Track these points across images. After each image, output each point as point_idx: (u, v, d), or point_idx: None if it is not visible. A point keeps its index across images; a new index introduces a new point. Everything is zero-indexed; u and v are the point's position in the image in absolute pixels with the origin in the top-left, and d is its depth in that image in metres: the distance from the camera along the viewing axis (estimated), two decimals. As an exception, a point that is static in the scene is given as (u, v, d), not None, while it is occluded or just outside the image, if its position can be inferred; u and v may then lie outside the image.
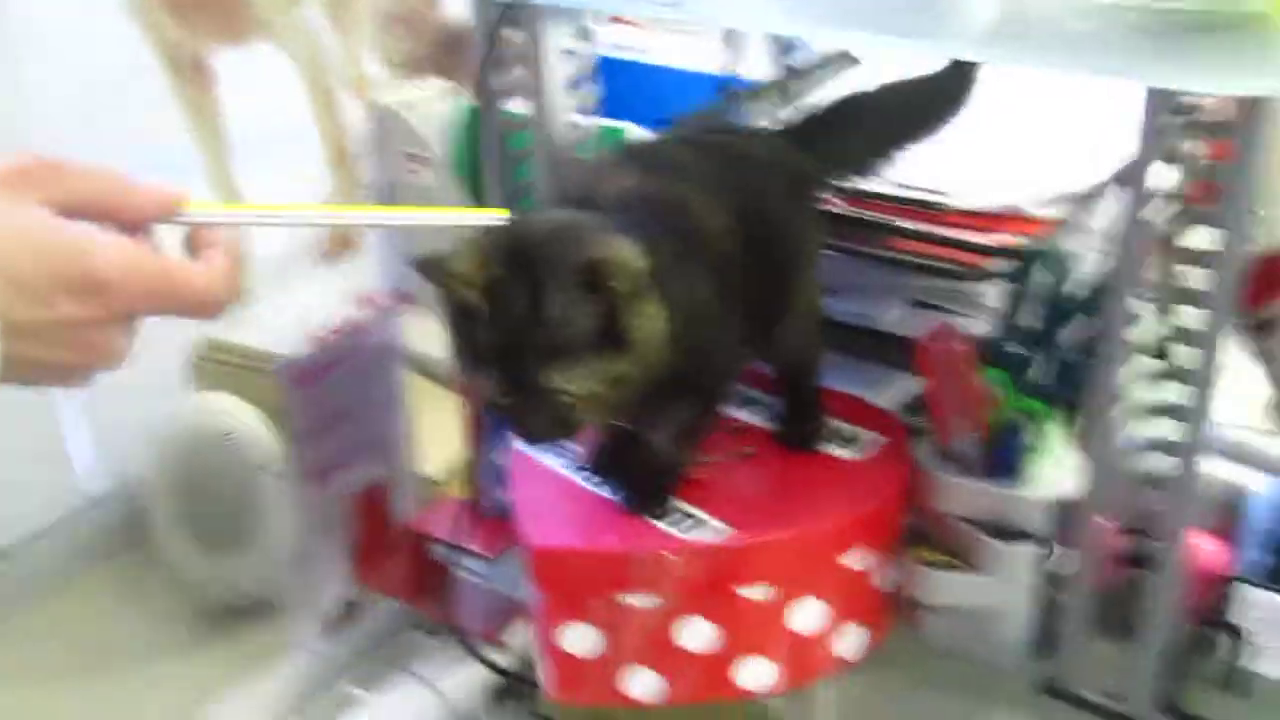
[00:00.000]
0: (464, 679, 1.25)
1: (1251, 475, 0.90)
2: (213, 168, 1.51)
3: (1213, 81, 0.58)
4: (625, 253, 0.70)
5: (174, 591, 1.36)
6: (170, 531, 1.31)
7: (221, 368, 1.42)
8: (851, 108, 0.95)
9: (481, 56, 0.79)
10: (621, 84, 1.08)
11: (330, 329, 1.12)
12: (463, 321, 0.71)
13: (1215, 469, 0.92)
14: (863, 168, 0.96)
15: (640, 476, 0.81)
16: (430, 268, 0.70)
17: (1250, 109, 0.64)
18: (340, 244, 1.66)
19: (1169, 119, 0.67)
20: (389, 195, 1.72)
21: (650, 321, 0.71)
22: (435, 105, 1.73)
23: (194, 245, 0.63)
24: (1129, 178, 0.70)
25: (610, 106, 1.04)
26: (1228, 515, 0.89)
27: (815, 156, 0.92)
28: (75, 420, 1.45)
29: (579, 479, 0.85)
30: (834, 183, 0.96)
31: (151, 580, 1.39)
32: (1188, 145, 0.72)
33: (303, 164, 1.64)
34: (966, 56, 0.69)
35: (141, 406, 1.39)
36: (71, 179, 0.59)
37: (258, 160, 1.55)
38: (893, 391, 0.97)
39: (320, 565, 1.07)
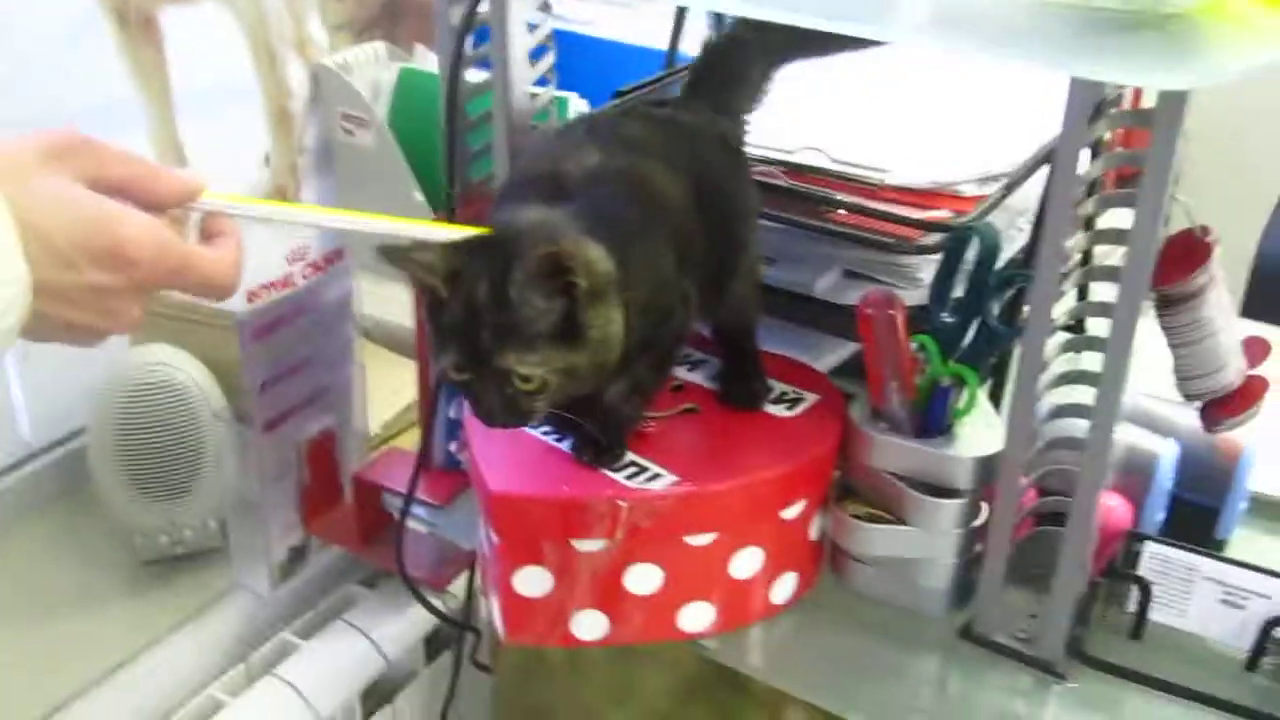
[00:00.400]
0: (402, 630, 1.30)
1: (1157, 440, 0.97)
2: (157, 123, 1.51)
3: (1134, 75, 0.64)
4: (592, 253, 0.74)
5: (115, 540, 1.38)
6: (111, 481, 1.33)
7: (160, 320, 1.43)
8: (728, 52, 1.00)
9: (457, 27, 0.82)
10: (570, 56, 1.12)
11: (278, 283, 1.15)
12: (428, 298, 0.75)
13: (1125, 433, 0.99)
14: (756, 101, 1.02)
15: (595, 429, 0.85)
16: (394, 255, 0.74)
17: (1169, 101, 0.70)
18: (281, 199, 1.68)
19: (1091, 108, 0.73)
20: (327, 155, 1.74)
21: (609, 324, 0.76)
22: (375, 68, 1.75)
23: (207, 233, 0.67)
24: (1054, 161, 0.76)
25: (560, 78, 1.08)
26: (1135, 476, 0.96)
27: (723, 111, 0.97)
28: (15, 371, 1.45)
29: (534, 431, 0.90)
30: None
31: (93, 529, 1.40)
32: (1109, 132, 0.78)
33: (244, 122, 1.65)
34: (905, 41, 0.74)
35: (81, 358, 1.40)
36: (107, 158, 0.63)
37: (200, 117, 1.56)
38: (827, 356, 1.03)
39: (268, 512, 1.10)
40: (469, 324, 0.74)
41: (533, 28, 0.97)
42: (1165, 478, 0.96)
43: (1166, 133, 0.71)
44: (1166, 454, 0.96)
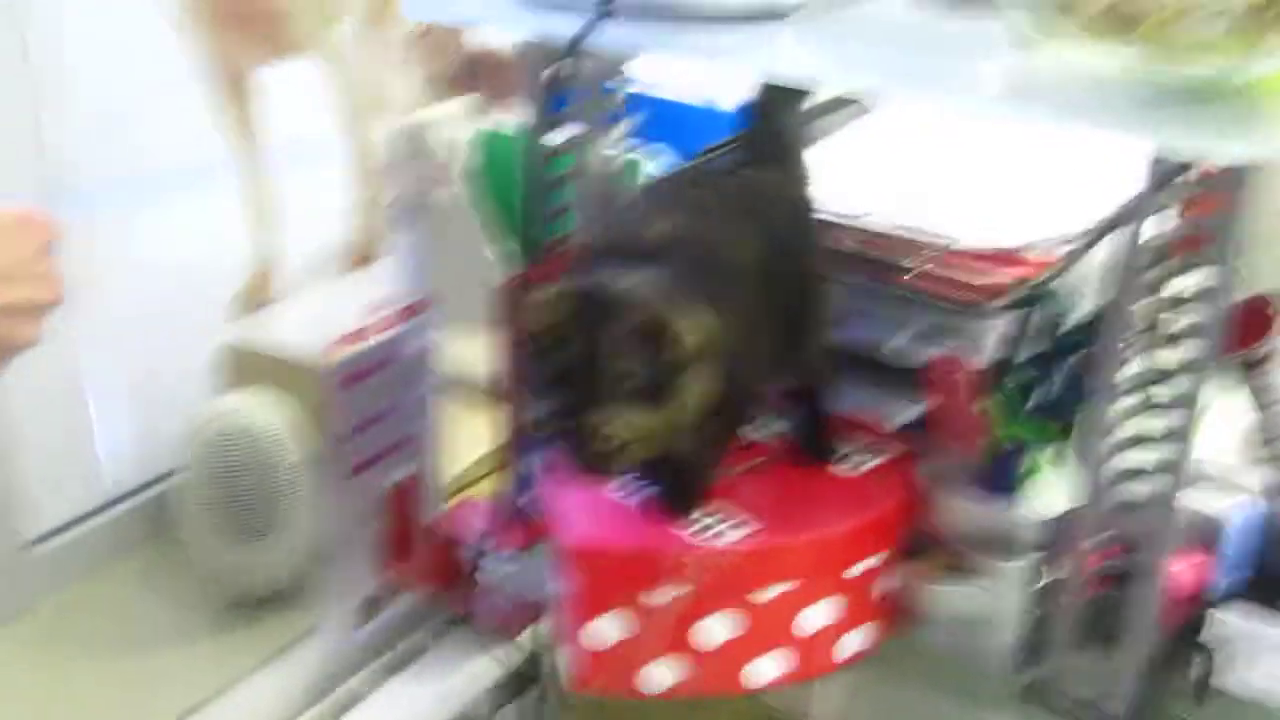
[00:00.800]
0: (473, 678, 1.32)
1: (1229, 502, 0.97)
2: (247, 177, 1.57)
3: (1208, 146, 0.65)
4: (691, 317, 0.77)
5: (199, 582, 1.42)
6: (197, 524, 1.37)
7: (248, 367, 1.48)
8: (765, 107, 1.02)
9: (541, 93, 0.85)
10: (650, 118, 1.16)
11: (361, 333, 1.19)
12: (531, 347, 0.78)
13: (1197, 496, 0.99)
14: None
15: (673, 481, 0.88)
16: (510, 295, 0.77)
17: (1239, 169, 0.72)
18: (363, 253, 1.73)
19: (1165, 176, 0.74)
20: (409, 210, 1.79)
21: (704, 386, 0.79)
22: (456, 126, 1.80)
23: None
24: (1124, 227, 0.77)
25: (639, 139, 1.11)
26: (1207, 539, 0.96)
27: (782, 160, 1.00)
28: (98, 419, 1.51)
29: (610, 484, 0.92)
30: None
31: (177, 571, 1.44)
32: (1180, 198, 0.80)
33: (331, 177, 1.71)
34: (982, 113, 0.76)
35: (169, 404, 1.45)
36: None
37: (289, 172, 1.61)
38: (897, 416, 1.04)
39: (349, 557, 1.13)
40: (567, 376, 0.77)
41: (610, 91, 1.00)
42: (1239, 540, 0.96)
43: (1236, 199, 0.73)
44: (1239, 516, 0.96)
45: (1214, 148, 0.65)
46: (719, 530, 0.87)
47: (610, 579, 0.86)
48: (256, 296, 1.62)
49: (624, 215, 0.90)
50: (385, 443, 1.12)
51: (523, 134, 0.93)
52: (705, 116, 1.56)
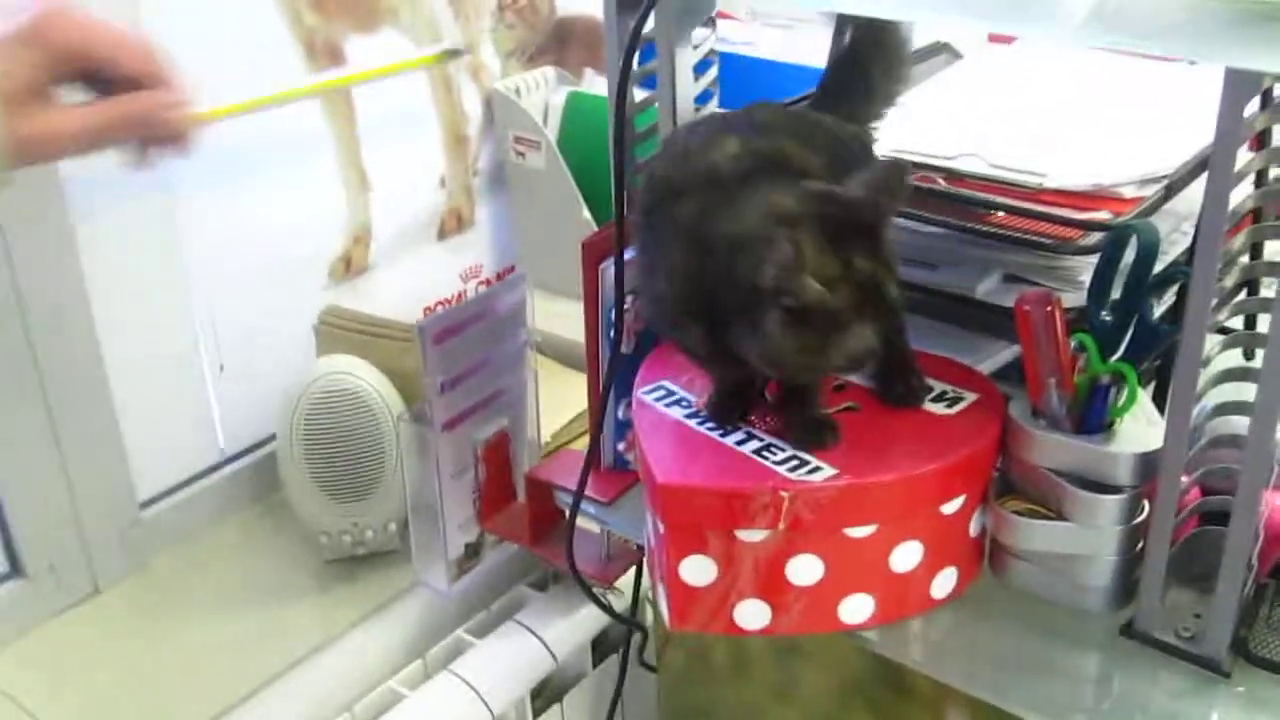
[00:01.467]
0: (571, 630, 1.35)
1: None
2: (342, 148, 1.61)
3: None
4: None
5: (303, 541, 1.46)
6: (299, 484, 1.41)
7: (344, 333, 1.51)
8: (846, 64, 1.02)
9: (626, 42, 0.87)
10: (733, 76, 1.16)
11: (449, 299, 1.21)
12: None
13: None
14: (881, 110, 1.04)
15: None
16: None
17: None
18: (454, 222, 1.76)
19: (1248, 101, 0.73)
20: (500, 176, 1.82)
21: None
22: (545, 92, 1.82)
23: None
24: (1211, 155, 0.76)
25: (722, 97, 1.12)
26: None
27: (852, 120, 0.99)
28: (211, 383, 1.55)
29: (698, 426, 0.93)
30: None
31: (283, 530, 1.49)
32: (1271, 126, 0.79)
33: (422, 146, 1.73)
34: (1065, 42, 0.76)
35: (273, 370, 1.50)
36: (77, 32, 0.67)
37: (382, 142, 1.64)
38: (988, 359, 1.04)
39: (446, 509, 1.16)
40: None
41: (696, 46, 1.01)
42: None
43: (1326, 123, 0.72)
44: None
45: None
46: (809, 468, 0.87)
47: (701, 517, 0.87)
48: (354, 264, 1.65)
49: (685, 148, 0.90)
50: (479, 398, 1.15)
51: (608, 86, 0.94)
52: (793, 74, 1.55)
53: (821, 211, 0.79)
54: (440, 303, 1.75)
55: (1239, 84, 0.74)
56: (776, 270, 0.77)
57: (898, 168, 0.84)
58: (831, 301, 0.77)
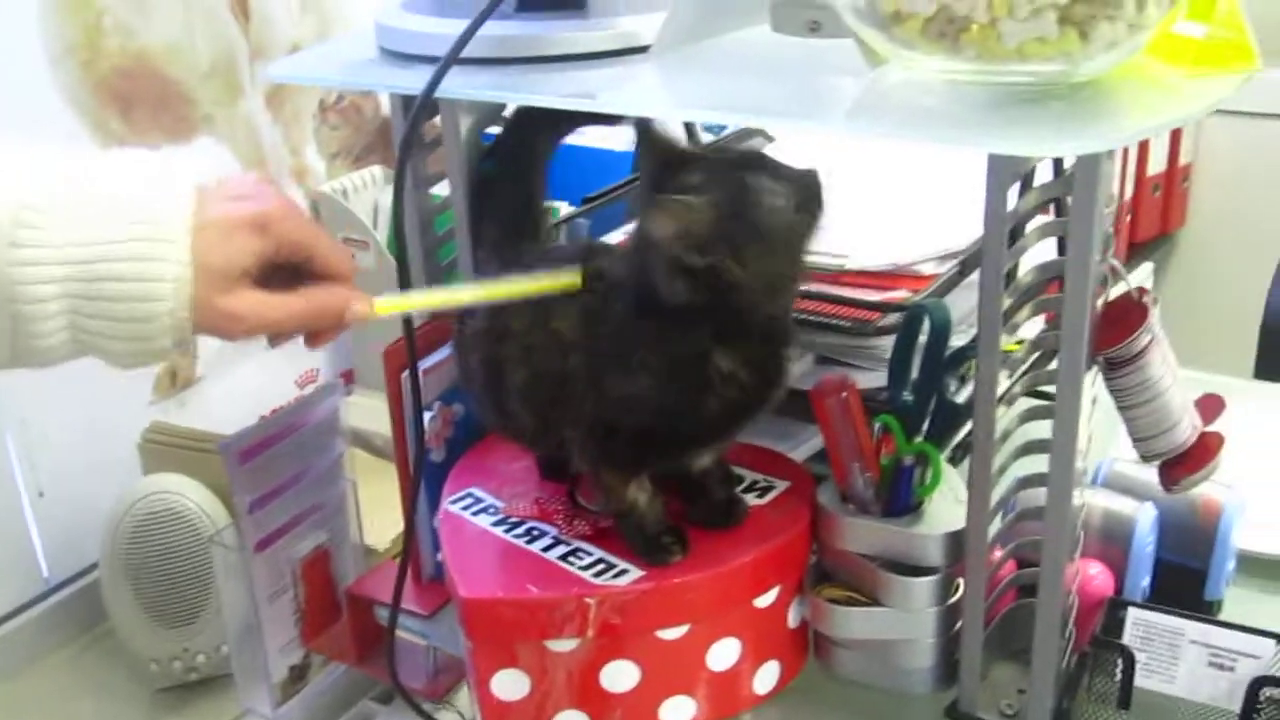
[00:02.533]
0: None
1: (1134, 504, 0.97)
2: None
3: (1034, 145, 0.65)
4: None
5: (132, 670, 1.40)
6: (125, 609, 1.36)
7: (169, 450, 1.47)
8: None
9: (400, 144, 0.85)
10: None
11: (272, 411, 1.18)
12: None
13: (1102, 499, 0.99)
14: None
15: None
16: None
17: (1081, 167, 0.72)
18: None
19: (1013, 181, 0.74)
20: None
21: None
22: (373, 191, 1.80)
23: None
24: (983, 234, 0.77)
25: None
26: (1115, 542, 0.96)
27: None
28: (31, 510, 1.49)
29: (504, 534, 0.91)
30: None
31: (111, 660, 1.43)
32: (1035, 202, 0.80)
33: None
34: (837, 134, 0.76)
35: (98, 492, 1.44)
36: (292, 227, 0.72)
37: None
38: (803, 443, 1.04)
39: (266, 632, 1.12)
40: None
41: (488, 139, 1.00)
42: (1145, 541, 0.96)
43: (1084, 199, 0.73)
44: (1144, 517, 0.96)
45: (1041, 146, 0.65)
46: (615, 571, 0.85)
47: (508, 630, 0.85)
48: (180, 376, 1.61)
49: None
50: (294, 513, 1.11)
51: (396, 195, 0.92)
52: (616, 162, 1.56)
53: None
54: (276, 410, 1.70)
55: (1002, 166, 0.75)
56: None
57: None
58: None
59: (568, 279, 0.85)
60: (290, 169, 1.71)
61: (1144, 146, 2.40)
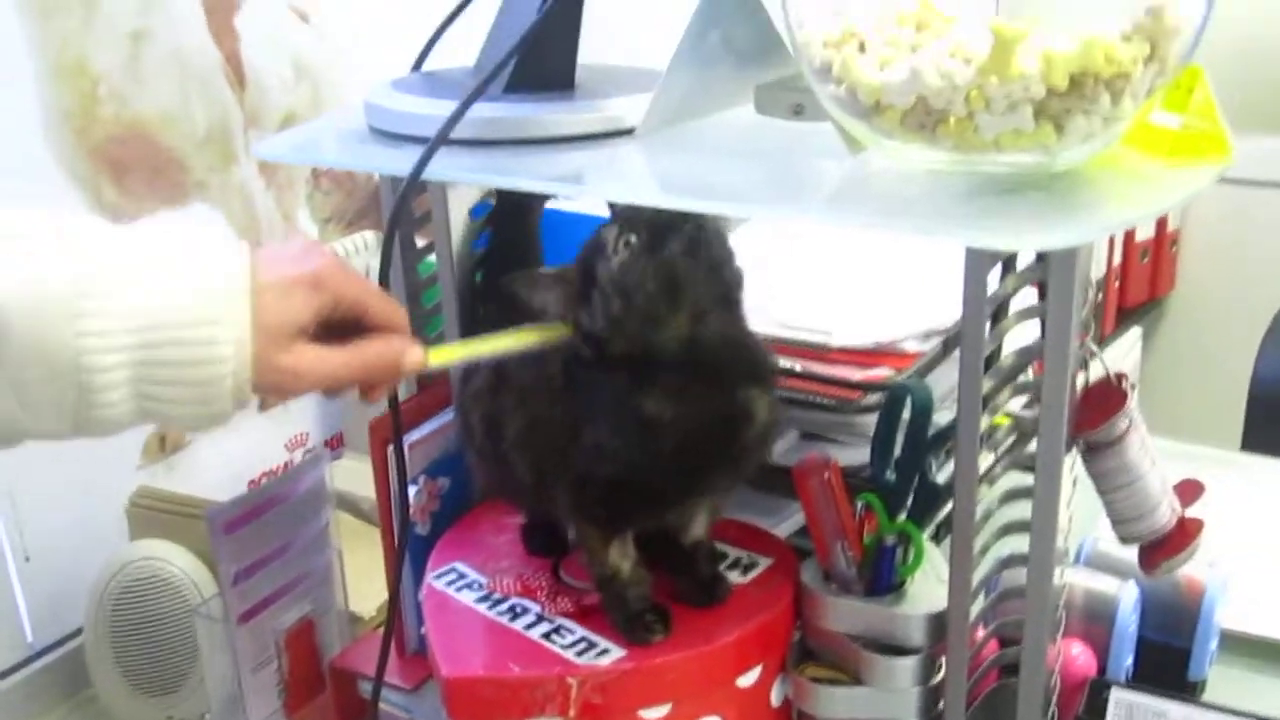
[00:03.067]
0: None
1: (1117, 583, 0.97)
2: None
3: (1009, 238, 0.66)
4: None
5: (114, 738, 1.39)
6: (109, 676, 1.35)
7: (156, 515, 1.46)
8: None
9: (387, 223, 0.86)
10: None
11: (273, 470, 1.18)
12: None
13: (1085, 578, 0.99)
14: None
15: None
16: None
17: (1058, 258, 0.73)
18: (276, 391, 1.73)
19: (990, 268, 0.75)
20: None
21: None
22: (365, 256, 1.82)
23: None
24: (962, 321, 0.78)
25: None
26: (1098, 621, 0.96)
27: None
28: (17, 574, 1.49)
29: (488, 611, 0.91)
30: None
31: (93, 728, 1.42)
32: (1015, 285, 0.81)
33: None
34: (814, 221, 0.77)
35: (84, 557, 1.44)
36: (347, 286, 0.73)
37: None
38: (787, 518, 1.04)
39: (250, 704, 1.11)
40: None
41: (479, 214, 1.01)
42: (1128, 621, 0.96)
43: (1060, 287, 0.73)
44: (1127, 597, 0.96)
45: (1016, 239, 0.65)
46: (597, 650, 0.85)
47: (489, 709, 0.85)
48: (169, 440, 1.61)
49: None
50: (279, 584, 1.11)
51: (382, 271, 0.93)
52: (579, 222, 1.57)
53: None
54: (266, 474, 1.70)
55: (981, 254, 0.75)
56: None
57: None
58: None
59: (555, 330, 0.86)
60: (283, 234, 1.73)
61: (1132, 214, 2.41)
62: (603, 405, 0.85)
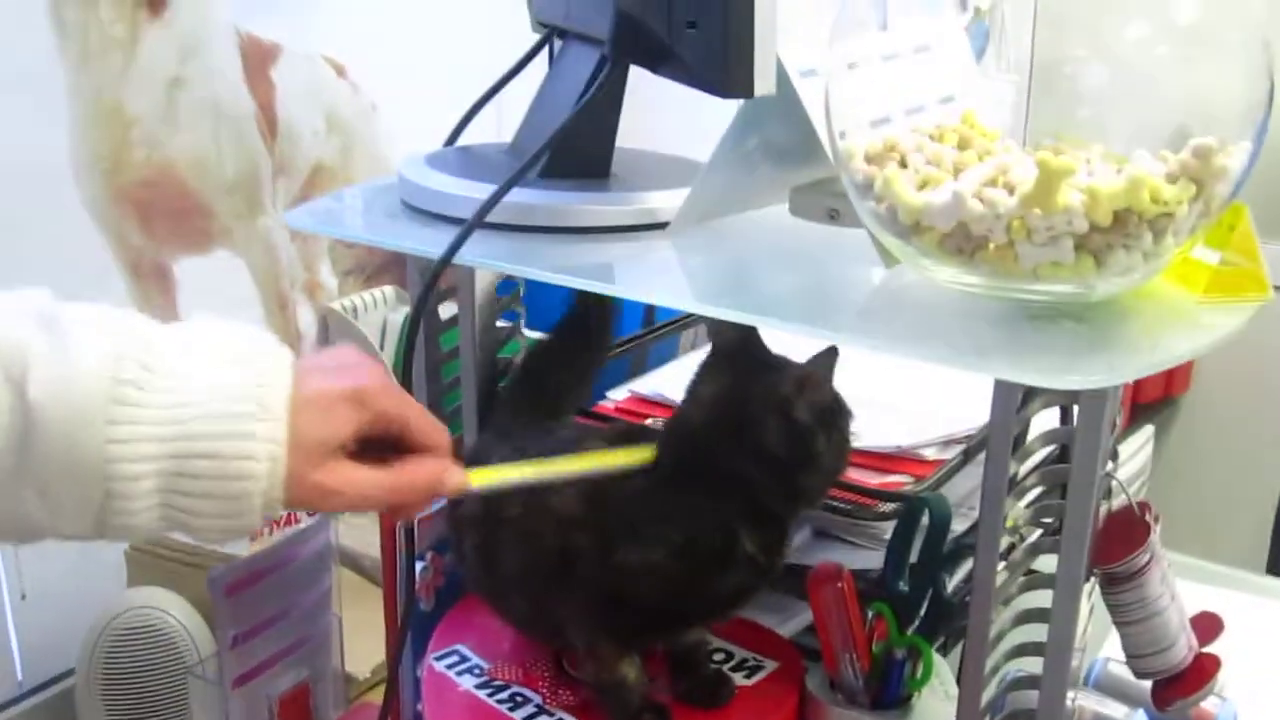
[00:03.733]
0: None
1: (1125, 710, 0.95)
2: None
3: (1041, 375, 0.65)
4: None
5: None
6: (97, 724, 1.33)
7: (156, 561, 1.45)
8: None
9: (413, 307, 0.86)
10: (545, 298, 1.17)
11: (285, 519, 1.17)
12: None
13: (1092, 701, 0.98)
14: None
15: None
16: None
17: (1088, 395, 0.72)
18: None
19: (1019, 393, 0.75)
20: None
21: None
22: (383, 310, 1.81)
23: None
24: (988, 445, 0.77)
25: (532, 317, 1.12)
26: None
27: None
28: (11, 611, 1.47)
29: (487, 698, 0.90)
30: None
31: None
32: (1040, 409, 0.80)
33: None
34: (843, 341, 0.76)
35: (81, 598, 1.42)
36: (389, 404, 0.70)
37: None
38: (791, 617, 1.03)
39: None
40: None
41: (506, 291, 1.01)
42: (1138, 748, 0.94)
43: (1089, 421, 0.73)
44: (1140, 723, 0.95)
45: (1057, 380, 0.65)
46: (598, 748, 0.84)
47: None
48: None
49: None
50: (277, 649, 1.09)
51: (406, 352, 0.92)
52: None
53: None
54: (265, 536, 1.68)
55: (1005, 383, 0.75)
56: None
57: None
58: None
59: (642, 453, 0.84)
60: (304, 284, 1.73)
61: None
62: (664, 530, 0.83)
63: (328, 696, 1.17)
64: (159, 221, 1.52)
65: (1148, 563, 0.78)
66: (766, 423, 0.82)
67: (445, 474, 0.73)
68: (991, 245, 0.68)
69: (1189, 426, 2.61)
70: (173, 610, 1.35)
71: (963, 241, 0.69)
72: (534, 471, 0.81)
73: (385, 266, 1.84)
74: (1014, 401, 0.74)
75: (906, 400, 1.10)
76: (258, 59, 1.61)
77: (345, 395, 0.68)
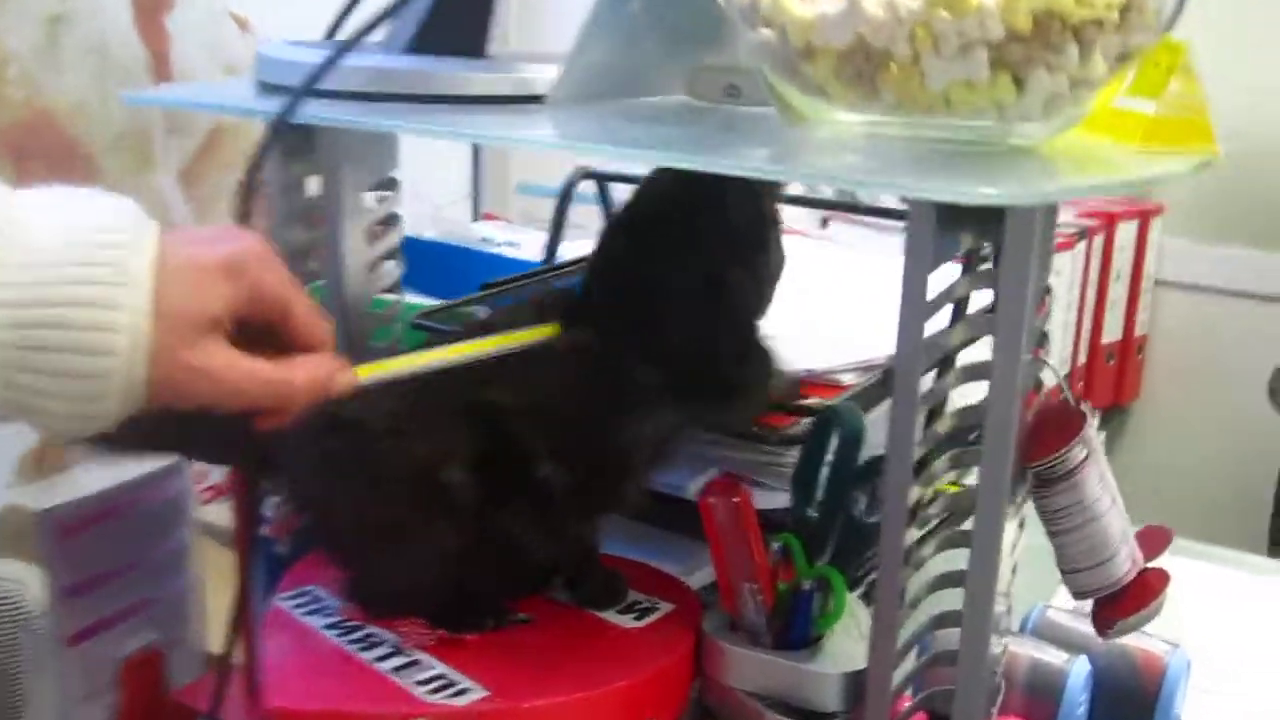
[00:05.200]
0: None
1: (1066, 656, 0.86)
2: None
3: (963, 191, 0.55)
4: None
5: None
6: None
7: (20, 537, 1.33)
8: None
9: (255, 153, 0.75)
10: (482, 276, 1.11)
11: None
12: None
13: (1028, 647, 0.88)
14: None
15: None
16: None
17: (1014, 226, 0.62)
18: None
19: (935, 249, 0.64)
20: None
21: None
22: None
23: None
24: (900, 311, 0.67)
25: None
26: (1042, 697, 0.84)
27: None
28: None
29: (337, 638, 0.79)
30: None
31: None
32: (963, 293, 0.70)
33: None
34: (756, 173, 0.66)
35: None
36: (269, 280, 0.61)
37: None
38: (702, 565, 0.92)
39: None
40: None
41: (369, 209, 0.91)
42: (1077, 700, 0.84)
43: (1012, 281, 0.63)
44: (1077, 671, 0.84)
45: (972, 193, 0.54)
46: (454, 689, 0.73)
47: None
48: (48, 459, 1.48)
49: None
50: (121, 606, 0.98)
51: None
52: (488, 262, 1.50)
53: None
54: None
55: (919, 218, 0.65)
56: None
57: None
58: None
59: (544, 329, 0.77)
60: (198, 250, 1.62)
61: (1099, 313, 2.34)
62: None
63: (185, 666, 1.05)
64: (37, 173, 1.41)
65: (1084, 459, 0.68)
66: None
67: (336, 373, 0.65)
68: (894, 65, 0.58)
69: (1139, 435, 2.54)
70: (15, 574, 1.23)
71: (862, 64, 0.59)
72: (424, 360, 0.72)
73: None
74: (927, 258, 0.63)
75: (824, 327, 1.00)
76: (150, 4, 1.51)
77: (219, 263, 0.59)
